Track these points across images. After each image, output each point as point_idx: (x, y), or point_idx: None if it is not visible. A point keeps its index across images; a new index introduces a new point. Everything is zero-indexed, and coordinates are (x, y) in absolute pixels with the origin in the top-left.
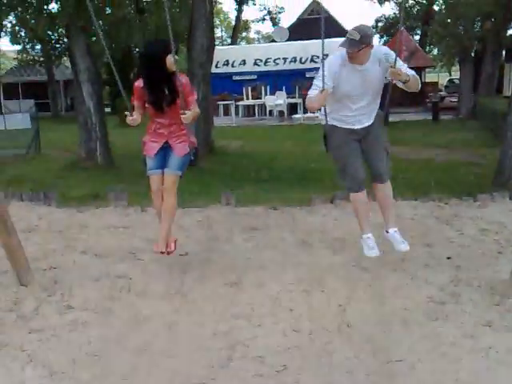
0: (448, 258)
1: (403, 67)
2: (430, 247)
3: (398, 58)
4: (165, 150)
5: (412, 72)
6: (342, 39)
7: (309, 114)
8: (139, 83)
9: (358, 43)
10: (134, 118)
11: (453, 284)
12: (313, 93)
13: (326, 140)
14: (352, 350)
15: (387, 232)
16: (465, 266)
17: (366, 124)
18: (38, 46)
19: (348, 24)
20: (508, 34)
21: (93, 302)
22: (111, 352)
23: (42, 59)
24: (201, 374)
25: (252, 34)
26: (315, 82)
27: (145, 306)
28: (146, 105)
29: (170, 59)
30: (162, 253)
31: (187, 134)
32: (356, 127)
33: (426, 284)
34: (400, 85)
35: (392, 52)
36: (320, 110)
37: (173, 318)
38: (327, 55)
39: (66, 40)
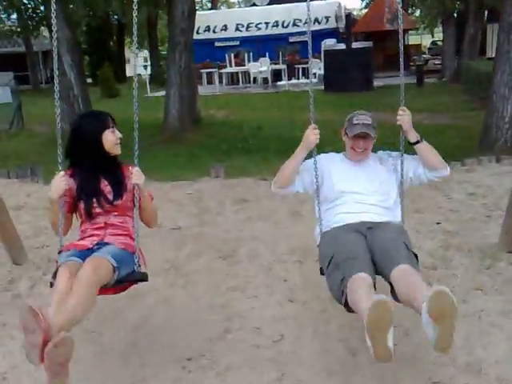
0: (438, 223)
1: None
2: (418, 213)
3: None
4: (93, 251)
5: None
6: (325, 2)
7: (293, 81)
8: (67, 173)
9: (372, 128)
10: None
11: (443, 249)
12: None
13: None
14: (346, 317)
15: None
16: (454, 231)
17: (372, 219)
18: (14, 16)
19: None
20: None
21: None
22: (109, 329)
23: (19, 29)
24: (199, 346)
25: None
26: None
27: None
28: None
29: (107, 138)
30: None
31: (132, 240)
32: (357, 221)
33: (417, 250)
34: (420, 173)
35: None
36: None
37: (168, 292)
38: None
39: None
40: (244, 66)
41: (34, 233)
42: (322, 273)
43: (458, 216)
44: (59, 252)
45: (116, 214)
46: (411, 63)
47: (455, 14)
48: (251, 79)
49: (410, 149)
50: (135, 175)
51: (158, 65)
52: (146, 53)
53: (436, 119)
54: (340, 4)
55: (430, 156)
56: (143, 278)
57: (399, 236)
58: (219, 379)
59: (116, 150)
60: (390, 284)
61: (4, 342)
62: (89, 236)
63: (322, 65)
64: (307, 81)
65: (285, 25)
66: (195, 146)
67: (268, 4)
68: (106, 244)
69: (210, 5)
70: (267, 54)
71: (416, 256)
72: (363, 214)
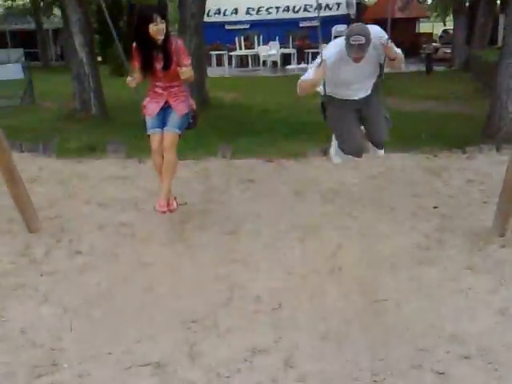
0: (434, 207)
1: (393, 46)
2: (417, 197)
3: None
4: (164, 111)
5: (399, 50)
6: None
7: (302, 65)
8: (135, 45)
9: (366, 45)
10: (134, 77)
11: (438, 231)
12: (305, 77)
13: (324, 108)
14: (342, 290)
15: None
16: (450, 215)
17: (363, 95)
18: None
19: None
20: None
21: (99, 248)
22: (119, 292)
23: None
24: (204, 311)
25: None
26: (309, 70)
27: (148, 251)
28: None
29: (152, 29)
30: (164, 212)
31: (186, 96)
32: (353, 98)
33: (413, 231)
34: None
35: (384, 32)
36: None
37: (175, 261)
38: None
39: None
40: (254, 49)
41: (48, 204)
42: (324, 118)
43: (456, 201)
44: (143, 107)
45: (170, 77)
46: (421, 51)
47: (467, 4)
48: (261, 62)
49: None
50: (184, 74)
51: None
52: None
53: (444, 107)
54: None
55: (396, 64)
56: (194, 126)
57: (380, 111)
58: (221, 339)
59: (159, 36)
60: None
61: (23, 301)
62: (155, 96)
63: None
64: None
65: (295, 10)
66: (203, 126)
67: None
68: (170, 108)
69: None
70: (277, 38)
71: (387, 119)
72: (357, 92)
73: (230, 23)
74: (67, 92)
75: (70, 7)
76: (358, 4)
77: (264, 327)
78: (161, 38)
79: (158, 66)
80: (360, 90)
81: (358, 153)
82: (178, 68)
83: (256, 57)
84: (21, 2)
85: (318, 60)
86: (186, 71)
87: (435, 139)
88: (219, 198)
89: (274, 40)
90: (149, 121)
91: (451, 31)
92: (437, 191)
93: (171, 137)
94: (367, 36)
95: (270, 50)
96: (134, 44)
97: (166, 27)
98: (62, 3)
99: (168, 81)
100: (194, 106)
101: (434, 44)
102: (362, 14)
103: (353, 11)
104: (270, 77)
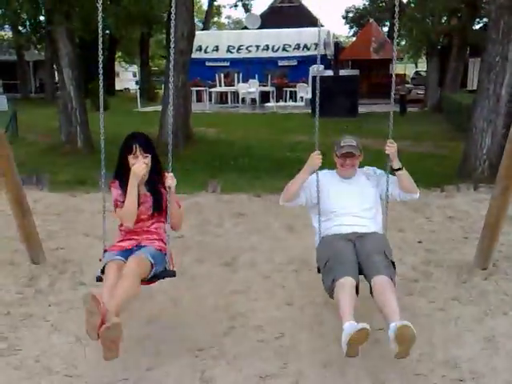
0: (419, 242)
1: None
2: (402, 232)
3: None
4: (131, 251)
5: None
6: (315, 29)
7: (280, 103)
8: (116, 184)
9: (357, 148)
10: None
11: (424, 264)
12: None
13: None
14: (339, 320)
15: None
16: (434, 249)
17: (361, 230)
18: (7, 26)
19: (320, 14)
20: (473, 30)
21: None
22: (125, 323)
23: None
24: (208, 340)
25: (223, 19)
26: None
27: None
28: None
29: (131, 162)
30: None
31: (166, 242)
32: (349, 231)
33: (401, 264)
34: (396, 192)
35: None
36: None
37: (176, 294)
38: (317, 44)
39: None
40: (233, 86)
41: (47, 236)
42: (319, 271)
43: (438, 236)
44: (104, 251)
45: (153, 220)
46: (394, 92)
47: (439, 47)
48: (240, 99)
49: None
50: (169, 179)
51: (148, 80)
52: (135, 67)
53: (418, 147)
54: (329, 32)
55: (407, 182)
56: (173, 274)
57: (382, 246)
58: (230, 366)
59: (139, 171)
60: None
61: (32, 330)
62: (128, 239)
63: (309, 89)
64: (295, 103)
65: (274, 49)
66: (188, 161)
67: (259, 28)
68: (144, 246)
69: (201, 25)
70: (256, 75)
71: (393, 263)
72: (354, 226)
73: (210, 60)
74: (49, 125)
75: (61, 41)
76: (335, 45)
77: (269, 354)
78: (139, 176)
79: (144, 207)
80: (355, 223)
81: (347, 270)
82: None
83: (235, 94)
84: (3, 33)
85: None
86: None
87: (413, 177)
88: (214, 231)
89: (254, 78)
90: (108, 254)
91: (423, 73)
92: (420, 227)
93: (140, 260)
94: (358, 142)
95: (250, 88)
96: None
97: (157, 162)
98: (53, 36)
99: (149, 225)
100: (174, 264)
101: (407, 85)
102: (339, 55)
103: (330, 51)
104: (249, 113)
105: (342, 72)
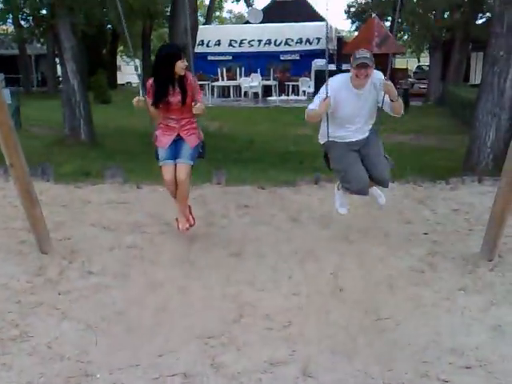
0: (425, 233)
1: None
2: (408, 224)
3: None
4: (176, 143)
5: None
6: (317, 23)
7: (283, 97)
8: (151, 81)
9: (371, 60)
10: (139, 99)
11: (430, 256)
12: (312, 106)
13: (327, 158)
14: (345, 309)
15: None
16: (440, 241)
17: (361, 137)
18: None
19: (321, 8)
20: (476, 24)
21: (111, 269)
22: (134, 311)
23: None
24: (217, 328)
25: (224, 14)
26: (315, 99)
27: (157, 272)
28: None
29: (179, 65)
30: (187, 229)
31: (196, 128)
32: (352, 140)
33: (407, 255)
34: (386, 108)
35: (382, 75)
36: (319, 129)
37: (184, 282)
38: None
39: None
40: (236, 80)
41: (54, 227)
42: (328, 167)
43: (444, 228)
44: (156, 146)
45: (183, 111)
46: (397, 86)
47: (442, 41)
48: (242, 93)
49: None
50: (198, 110)
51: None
52: (137, 61)
53: (422, 140)
54: (331, 27)
55: (398, 108)
56: (203, 156)
57: (380, 150)
58: (240, 352)
59: (182, 73)
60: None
61: (44, 318)
62: (169, 130)
63: (312, 83)
64: (297, 97)
65: (277, 43)
66: None
67: (261, 22)
68: (181, 140)
69: (203, 20)
70: (259, 70)
71: (389, 161)
72: (357, 134)
73: (212, 54)
74: (52, 118)
75: (64, 34)
76: (338, 39)
77: (278, 342)
78: (183, 73)
79: (174, 100)
80: (358, 131)
81: (363, 190)
82: (193, 103)
83: (238, 88)
84: (4, 27)
85: (322, 93)
86: (200, 107)
87: (418, 171)
88: (219, 222)
89: (256, 72)
90: (161, 152)
91: (425, 67)
92: (426, 219)
93: (185, 168)
94: (371, 55)
95: (252, 82)
96: (151, 80)
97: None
98: (56, 30)
99: (181, 114)
100: (203, 137)
101: (409, 79)
102: (342, 49)
103: (332, 46)
104: (252, 107)
105: (345, 66)
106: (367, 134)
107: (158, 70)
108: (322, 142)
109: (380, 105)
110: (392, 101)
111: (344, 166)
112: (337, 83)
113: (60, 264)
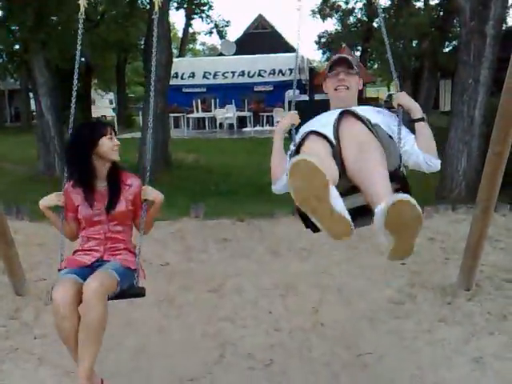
0: (403, 263)
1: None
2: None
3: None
4: (93, 269)
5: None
6: (289, 54)
7: (258, 128)
8: (68, 186)
9: (352, 62)
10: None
11: (409, 286)
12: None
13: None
14: (327, 345)
15: None
16: (418, 271)
17: None
18: None
19: (293, 39)
20: (443, 53)
21: None
22: (112, 354)
23: None
24: (197, 370)
25: (198, 46)
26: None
27: (136, 312)
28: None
29: (105, 143)
30: None
31: (134, 255)
32: None
33: (386, 287)
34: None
35: None
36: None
37: (163, 322)
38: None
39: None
40: (210, 111)
41: (30, 267)
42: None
43: (420, 258)
44: (59, 270)
45: (115, 223)
46: None
47: (411, 69)
48: (217, 124)
49: None
50: (151, 193)
51: (125, 107)
52: (111, 95)
53: None
54: (303, 57)
55: (430, 139)
56: (141, 292)
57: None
58: None
59: (114, 156)
60: None
61: (19, 364)
62: (88, 250)
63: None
64: (271, 128)
65: (250, 74)
66: (169, 187)
67: (234, 54)
68: (106, 261)
69: (177, 52)
70: (233, 101)
71: None
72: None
73: (187, 86)
74: (26, 154)
75: (38, 69)
76: (310, 70)
77: (260, 382)
78: (115, 158)
79: (99, 204)
80: None
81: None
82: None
83: (213, 119)
84: None
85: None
86: (150, 192)
87: None
88: (198, 257)
89: (230, 103)
90: (64, 271)
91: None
92: None
93: (103, 276)
94: (355, 58)
95: (227, 113)
96: (66, 186)
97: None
98: (30, 65)
99: (109, 229)
100: (145, 276)
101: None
102: (314, 79)
103: (305, 76)
104: (227, 138)
105: (317, 96)
106: None
107: (73, 157)
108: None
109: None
110: (415, 121)
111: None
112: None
113: (36, 306)
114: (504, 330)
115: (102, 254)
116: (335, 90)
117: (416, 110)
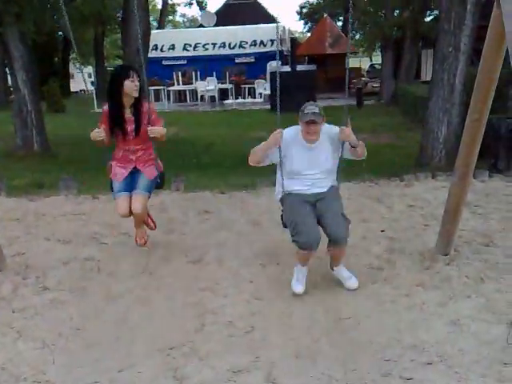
0: (382, 231)
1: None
2: (365, 222)
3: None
4: (132, 175)
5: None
6: (270, 25)
7: (239, 100)
8: (107, 108)
9: (319, 115)
10: (99, 131)
11: (388, 253)
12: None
13: (282, 217)
14: (307, 311)
15: (333, 270)
16: (397, 238)
17: (318, 191)
18: None
19: (274, 9)
20: (425, 22)
21: (67, 283)
22: (93, 326)
23: None
24: (179, 338)
25: (178, 17)
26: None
27: (116, 284)
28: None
29: (128, 85)
30: (145, 242)
31: (155, 159)
32: (307, 193)
33: (365, 253)
34: (347, 155)
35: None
36: (275, 186)
37: (143, 293)
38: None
39: None
40: (191, 84)
41: (7, 242)
42: (284, 226)
43: (400, 225)
44: (108, 172)
45: (140, 139)
46: (351, 86)
47: (393, 39)
48: (199, 97)
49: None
50: (153, 132)
51: (104, 81)
52: (90, 69)
53: (376, 139)
54: (284, 28)
55: (360, 152)
56: (162, 186)
57: (338, 208)
58: (202, 362)
59: (134, 94)
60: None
61: None
62: (124, 161)
63: (267, 85)
64: (253, 100)
65: (231, 46)
66: None
67: (215, 25)
68: (138, 171)
69: (156, 24)
70: (214, 73)
71: (347, 219)
72: (314, 188)
73: (167, 59)
74: (3, 129)
75: (13, 43)
76: (292, 41)
77: (241, 349)
78: (135, 95)
79: (129, 128)
80: (316, 184)
81: (311, 245)
82: (148, 127)
83: (194, 92)
84: None
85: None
86: (156, 130)
87: (373, 168)
88: (180, 229)
89: (212, 75)
90: (116, 184)
91: (378, 66)
92: (382, 216)
93: (141, 199)
94: (320, 108)
95: (208, 86)
96: (105, 107)
97: (141, 88)
98: (5, 39)
99: (137, 144)
100: (162, 168)
101: (362, 79)
102: (295, 50)
103: (286, 47)
104: (209, 111)
105: (299, 67)
106: (325, 190)
107: (109, 92)
108: (278, 198)
109: (340, 154)
110: (353, 147)
111: (295, 217)
112: (287, 136)
113: (14, 281)
114: (481, 292)
115: (134, 163)
116: (307, 132)
117: (355, 142)
